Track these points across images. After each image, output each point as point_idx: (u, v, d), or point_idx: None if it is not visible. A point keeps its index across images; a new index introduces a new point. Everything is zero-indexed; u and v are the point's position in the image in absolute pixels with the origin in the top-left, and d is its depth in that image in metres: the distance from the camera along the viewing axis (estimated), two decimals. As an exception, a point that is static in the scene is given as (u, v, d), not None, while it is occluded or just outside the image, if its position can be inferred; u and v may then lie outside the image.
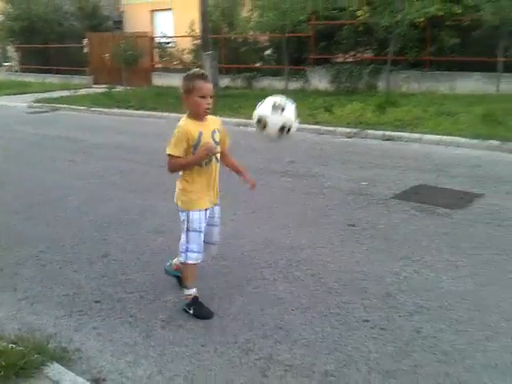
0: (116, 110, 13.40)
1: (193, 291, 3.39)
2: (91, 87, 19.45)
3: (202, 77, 3.22)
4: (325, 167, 7.10)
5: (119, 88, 17.41)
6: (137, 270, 4.08)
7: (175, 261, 3.58)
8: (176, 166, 3.23)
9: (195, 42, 17.84)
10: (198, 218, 3.27)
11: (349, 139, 9.11)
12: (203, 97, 3.16)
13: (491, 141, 8.06)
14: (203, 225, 3.30)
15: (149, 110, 12.97)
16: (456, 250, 4.28)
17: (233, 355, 2.97)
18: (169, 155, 3.18)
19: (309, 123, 9.97)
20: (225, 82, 16.81)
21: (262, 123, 3.20)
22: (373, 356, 2.93)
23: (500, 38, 11.45)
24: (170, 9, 22.29)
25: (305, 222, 5.05)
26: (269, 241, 4.59)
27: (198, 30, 16.38)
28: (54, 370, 2.69)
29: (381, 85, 13.81)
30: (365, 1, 13.35)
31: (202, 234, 3.31)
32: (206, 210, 3.31)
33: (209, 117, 3.31)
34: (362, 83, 14.36)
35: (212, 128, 3.28)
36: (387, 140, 8.79)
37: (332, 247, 4.43)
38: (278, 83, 15.62)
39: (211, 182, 3.32)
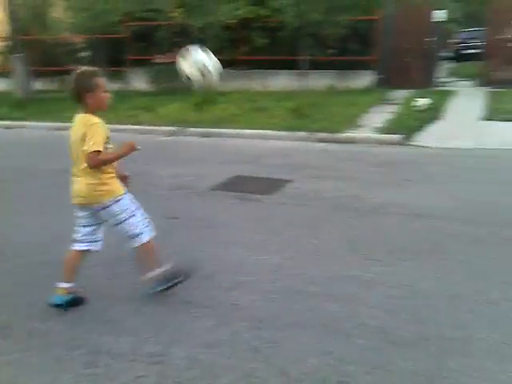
0: None
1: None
2: None
3: (98, 72, 3.30)
4: (147, 166, 7.22)
5: None
6: None
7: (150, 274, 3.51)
8: (103, 161, 3.23)
9: (3, 43, 16.64)
10: (128, 201, 3.39)
11: (170, 137, 9.35)
12: (105, 91, 3.26)
13: (300, 132, 8.88)
14: (133, 207, 3.41)
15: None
16: (267, 230, 4.74)
17: (58, 354, 3.00)
18: (96, 151, 3.14)
19: (131, 124, 10.03)
20: (39, 85, 15.95)
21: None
22: (196, 332, 3.18)
23: (302, 39, 12.55)
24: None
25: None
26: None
27: (5, 31, 15.31)
28: None
29: (199, 84, 14.25)
30: (178, 2, 13.65)
31: (138, 212, 3.43)
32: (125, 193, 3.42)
33: None
34: (182, 83, 14.63)
35: None
36: (207, 137, 9.20)
37: (155, 240, 4.58)
38: (97, 85, 15.28)
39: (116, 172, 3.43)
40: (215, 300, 3.54)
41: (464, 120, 9.57)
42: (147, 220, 3.50)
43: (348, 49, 13.91)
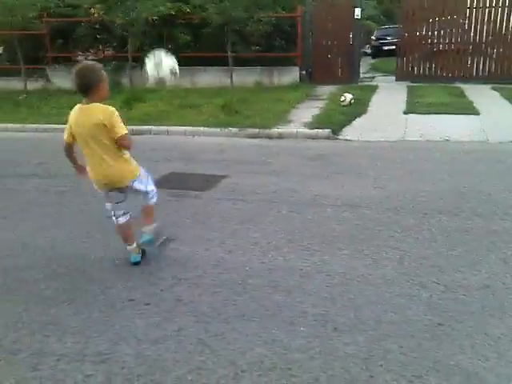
0: None
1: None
2: None
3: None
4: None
5: None
6: None
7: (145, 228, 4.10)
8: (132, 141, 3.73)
9: None
10: (142, 169, 3.99)
11: (99, 136, 9.13)
12: None
13: (231, 128, 8.95)
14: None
15: None
16: (206, 226, 4.78)
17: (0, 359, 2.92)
18: (126, 134, 3.63)
19: (56, 123, 9.68)
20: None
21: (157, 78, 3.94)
22: (140, 329, 3.18)
23: (227, 36, 12.62)
24: None
25: (62, 220, 5.03)
26: (25, 243, 4.48)
27: None
28: None
29: (125, 81, 14.00)
30: (98, -2, 13.35)
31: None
32: None
33: None
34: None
35: None
36: (137, 134, 9.05)
37: (93, 240, 4.53)
38: (16, 83, 14.62)
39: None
40: (158, 296, 3.55)
41: (387, 114, 9.99)
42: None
43: (273, 45, 14.16)
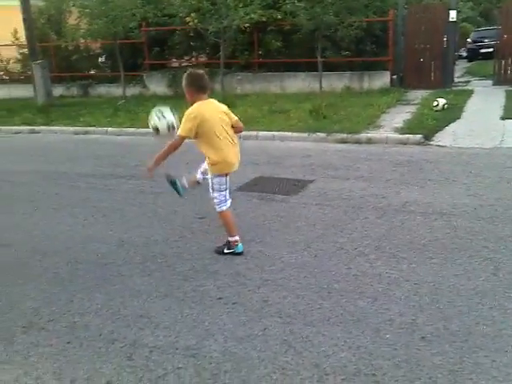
0: None
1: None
2: None
3: None
4: (170, 168, 7.34)
5: None
6: (-11, 283, 4.00)
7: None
8: None
9: (22, 51, 16.96)
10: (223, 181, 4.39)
11: (190, 140, 9.45)
12: None
13: (319, 133, 8.97)
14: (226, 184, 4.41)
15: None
16: (292, 230, 4.84)
17: (99, 346, 3.13)
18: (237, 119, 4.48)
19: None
20: (59, 91, 16.25)
21: (156, 130, 4.24)
22: (228, 327, 3.29)
23: (317, 41, 12.64)
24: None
25: (157, 220, 5.29)
26: (122, 241, 4.75)
27: (23, 38, 15.59)
28: None
29: (217, 87, 14.41)
30: (193, 8, 13.80)
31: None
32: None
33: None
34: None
35: None
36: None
37: (184, 239, 4.72)
38: (116, 90, 15.53)
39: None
40: (245, 297, 3.65)
41: (483, 119, 9.58)
42: None
43: (363, 50, 13.99)
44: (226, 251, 4.35)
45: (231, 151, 4.29)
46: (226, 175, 4.33)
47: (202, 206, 5.64)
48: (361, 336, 3.12)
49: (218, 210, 4.33)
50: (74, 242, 4.60)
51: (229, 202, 4.37)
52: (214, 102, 4.32)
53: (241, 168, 7.06)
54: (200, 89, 4.20)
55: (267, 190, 6.08)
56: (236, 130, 4.42)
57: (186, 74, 4.29)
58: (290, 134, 9.17)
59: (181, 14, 14.09)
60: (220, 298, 3.63)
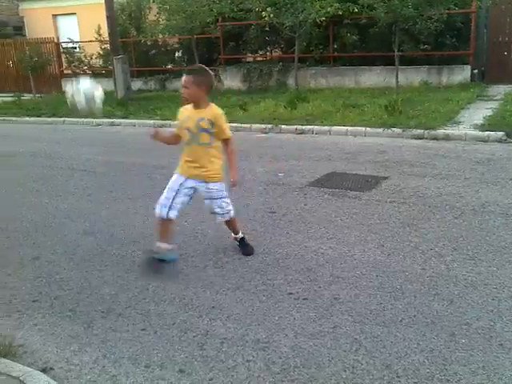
0: (28, 119, 13.06)
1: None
2: (-4, 96, 18.70)
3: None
4: (244, 162, 7.42)
5: (28, 96, 16.89)
6: (70, 269, 4.21)
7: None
8: None
9: (104, 46, 17.66)
10: (173, 179, 4.04)
11: (264, 135, 9.54)
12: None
13: (394, 129, 8.76)
14: (175, 186, 3.99)
15: (62, 117, 12.75)
16: (365, 227, 4.76)
17: (172, 335, 3.22)
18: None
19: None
20: (137, 84, 16.80)
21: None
22: (298, 322, 3.29)
23: (394, 34, 12.31)
24: (73, 13, 21.84)
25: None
26: (196, 232, 4.86)
27: (105, 34, 16.22)
28: (2, 363, 2.82)
29: (291, 82, 14.41)
30: (269, 2, 13.82)
31: (173, 193, 3.97)
32: (181, 176, 4.01)
33: (210, 106, 3.94)
34: (273, 81, 14.90)
35: (201, 116, 3.87)
36: (300, 134, 9.30)
37: (255, 233, 4.76)
38: (191, 84, 15.83)
39: (194, 159, 3.96)
40: (316, 293, 3.63)
41: None
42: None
43: (442, 43, 13.47)
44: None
45: None
46: None
47: (273, 200, 5.68)
48: (435, 339, 3.03)
49: (232, 215, 4.23)
50: (150, 231, 4.73)
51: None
52: None
53: (313, 163, 7.09)
54: (211, 88, 3.95)
55: (339, 186, 6.01)
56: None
57: (201, 68, 3.98)
58: (363, 129, 9.01)
59: (257, 9, 14.15)
60: (290, 293, 3.64)
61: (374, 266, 3.98)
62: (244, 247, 4.35)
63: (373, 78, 13.92)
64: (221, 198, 4.08)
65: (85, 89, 4.04)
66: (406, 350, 2.95)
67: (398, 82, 12.48)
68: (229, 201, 4.16)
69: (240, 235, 4.38)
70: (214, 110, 3.92)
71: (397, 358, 2.89)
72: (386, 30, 12.93)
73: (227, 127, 3.99)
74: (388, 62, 13.12)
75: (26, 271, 4.22)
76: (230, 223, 4.33)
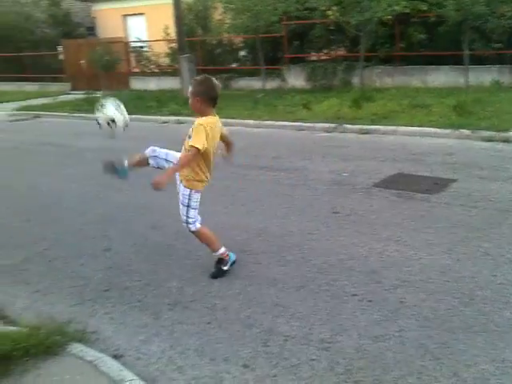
0: (98, 115, 13.52)
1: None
2: (69, 93, 19.49)
3: None
4: (307, 161, 7.44)
5: (98, 93, 17.51)
6: (139, 261, 4.37)
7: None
8: None
9: (171, 45, 18.06)
10: None
11: (328, 134, 9.47)
12: None
13: (463, 130, 8.48)
14: None
15: (130, 114, 13.07)
16: (433, 230, 4.65)
17: (236, 330, 3.28)
18: None
19: (288, 120, 10.38)
20: (202, 83, 17.05)
21: (111, 121, 4.00)
22: (362, 324, 3.27)
23: (464, 33, 11.92)
24: (142, 13, 22.44)
25: (292, 212, 5.37)
26: (260, 230, 4.91)
27: (172, 33, 16.59)
28: (77, 348, 2.97)
29: (355, 81, 14.21)
30: (334, 0, 13.69)
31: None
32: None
33: (206, 118, 3.83)
34: (337, 80, 14.75)
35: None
36: (364, 133, 9.17)
37: (319, 233, 4.75)
38: (255, 83, 15.93)
39: None
40: (381, 295, 3.59)
41: None
42: None
43: (516, 42, 12.92)
44: (225, 268, 4.01)
45: (211, 174, 3.96)
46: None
47: (337, 200, 5.64)
48: (506, 349, 2.93)
49: (193, 229, 3.90)
50: (215, 228, 4.80)
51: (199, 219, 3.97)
52: (217, 118, 3.94)
53: (378, 164, 6.99)
54: (211, 100, 3.83)
55: (406, 188, 5.89)
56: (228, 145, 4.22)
57: (201, 78, 3.96)
58: (431, 129, 8.77)
59: (322, 8, 14.06)
60: (355, 295, 3.61)
61: (442, 271, 3.88)
62: (215, 268, 4.06)
63: (441, 77, 13.51)
64: (182, 203, 3.86)
65: (110, 115, 4.02)
66: (475, 359, 2.87)
67: (467, 81, 12.09)
68: (189, 213, 3.86)
69: (218, 254, 4.04)
70: (197, 121, 3.80)
71: (465, 366, 2.81)
72: (455, 29, 12.52)
73: (197, 138, 3.69)
74: (457, 61, 12.71)
75: (97, 262, 4.41)
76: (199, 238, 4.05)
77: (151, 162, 4.06)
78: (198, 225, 3.90)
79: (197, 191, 3.86)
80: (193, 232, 3.94)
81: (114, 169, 4.05)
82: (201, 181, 3.87)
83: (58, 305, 3.71)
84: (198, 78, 4.03)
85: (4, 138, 11.42)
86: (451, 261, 4.04)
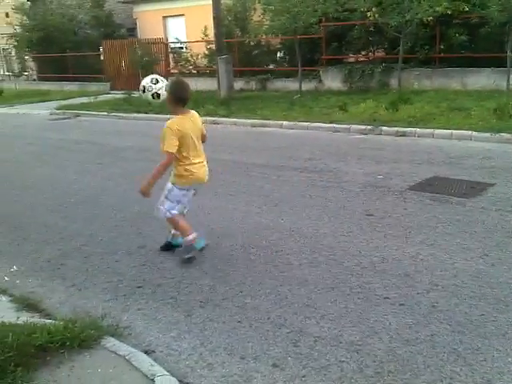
0: (136, 115, 13.76)
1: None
2: (109, 93, 19.89)
3: None
4: (342, 163, 7.40)
5: (136, 93, 17.79)
6: (173, 258, 4.43)
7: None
8: None
9: (209, 46, 18.22)
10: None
11: (363, 136, 9.40)
12: None
13: (503, 134, 8.30)
14: None
15: (169, 114, 13.23)
16: (468, 235, 4.57)
17: (267, 329, 3.30)
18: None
19: (324, 122, 10.35)
20: (239, 84, 17.16)
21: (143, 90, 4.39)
22: (393, 327, 3.25)
23: (508, 34, 11.65)
24: (182, 15, 22.70)
25: (325, 213, 5.36)
26: (292, 230, 4.92)
27: (211, 34, 16.73)
28: (110, 342, 3.05)
29: (393, 83, 14.05)
30: (374, 2, 13.57)
31: None
32: None
33: (174, 118, 4.24)
34: (375, 82, 14.61)
35: None
36: (401, 136, 9.07)
37: (352, 235, 4.73)
38: (292, 84, 15.92)
39: None
40: (413, 299, 3.56)
41: None
42: None
43: None
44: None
45: (200, 165, 4.27)
46: (189, 189, 4.35)
47: (371, 202, 5.60)
48: (542, 358, 2.86)
49: (169, 216, 4.26)
50: (248, 227, 4.87)
51: (180, 209, 4.33)
52: (194, 114, 4.35)
53: (414, 167, 6.90)
54: (179, 101, 4.18)
55: (442, 191, 5.81)
56: (203, 138, 4.44)
57: (173, 80, 4.47)
58: (469, 133, 8.61)
59: (362, 9, 13.96)
60: (386, 298, 3.59)
61: (476, 276, 3.81)
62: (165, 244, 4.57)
63: (481, 80, 13.23)
64: (164, 193, 4.25)
65: (157, 87, 4.38)
66: (509, 366, 2.82)
67: (509, 84, 11.81)
68: (165, 203, 4.24)
69: (169, 236, 4.55)
70: (166, 123, 4.16)
71: (499, 374, 2.77)
72: (498, 30, 12.24)
73: (167, 142, 4.08)
74: (499, 63, 12.43)
75: (132, 258, 4.50)
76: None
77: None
78: (168, 214, 4.24)
79: (180, 189, 4.22)
80: (168, 219, 4.32)
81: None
82: (180, 176, 4.19)
83: (93, 299, 3.80)
84: (172, 79, 4.53)
85: (45, 136, 11.75)
86: (486, 266, 3.97)
